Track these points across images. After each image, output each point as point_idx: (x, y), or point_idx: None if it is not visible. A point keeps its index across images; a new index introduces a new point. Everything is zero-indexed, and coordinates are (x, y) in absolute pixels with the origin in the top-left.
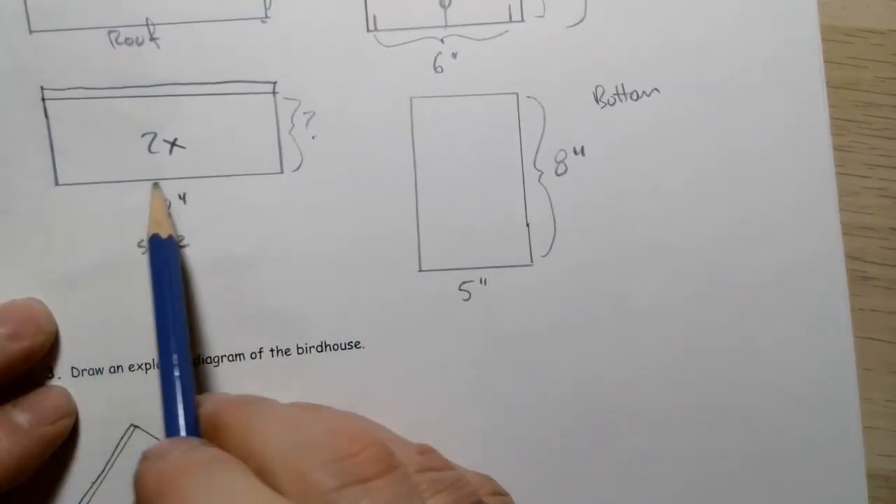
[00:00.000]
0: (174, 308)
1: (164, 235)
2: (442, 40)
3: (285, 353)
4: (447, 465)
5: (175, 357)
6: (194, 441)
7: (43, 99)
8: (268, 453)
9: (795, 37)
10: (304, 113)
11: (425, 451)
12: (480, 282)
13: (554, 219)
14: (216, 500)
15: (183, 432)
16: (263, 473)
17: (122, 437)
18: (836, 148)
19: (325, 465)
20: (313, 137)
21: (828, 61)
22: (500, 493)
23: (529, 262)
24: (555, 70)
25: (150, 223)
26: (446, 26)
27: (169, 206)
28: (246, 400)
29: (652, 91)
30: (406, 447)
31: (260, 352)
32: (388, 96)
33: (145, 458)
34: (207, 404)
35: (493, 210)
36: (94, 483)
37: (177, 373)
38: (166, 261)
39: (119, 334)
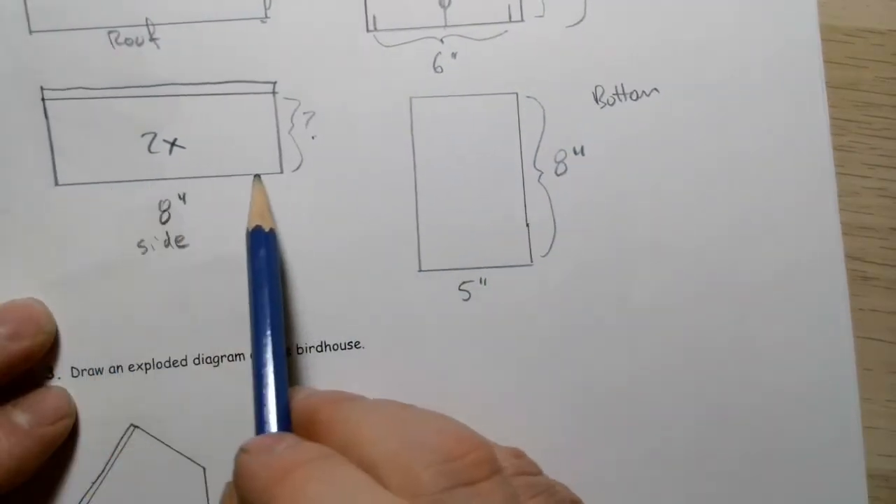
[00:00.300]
0: (271, 301)
1: (266, 228)
2: (441, 40)
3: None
4: (539, 470)
5: (270, 351)
6: (294, 437)
7: (43, 99)
8: (375, 451)
9: (795, 37)
10: (304, 113)
11: (519, 454)
12: (480, 282)
13: (554, 219)
14: (337, 496)
15: (275, 427)
16: (368, 471)
17: (122, 438)
18: (836, 148)
19: (434, 465)
20: (313, 137)
21: (828, 61)
22: (577, 502)
23: (529, 262)
24: (554, 70)
25: (251, 216)
26: (446, 26)
27: (168, 207)
28: (342, 396)
29: (652, 91)
30: (501, 451)
31: None
32: (387, 96)
33: (246, 451)
34: (299, 398)
35: (493, 210)
36: (94, 483)
37: (272, 366)
38: (267, 253)
39: (119, 334)
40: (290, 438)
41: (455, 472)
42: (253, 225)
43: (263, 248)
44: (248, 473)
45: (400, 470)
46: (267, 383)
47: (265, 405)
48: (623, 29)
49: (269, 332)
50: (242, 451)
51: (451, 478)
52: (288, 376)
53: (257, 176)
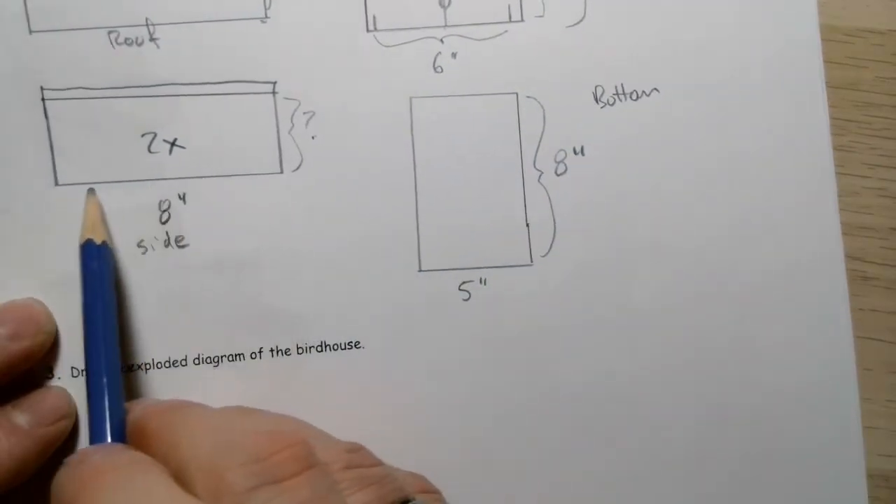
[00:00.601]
0: (104, 315)
1: (97, 241)
2: (441, 40)
3: (285, 353)
4: (375, 463)
5: (102, 363)
6: (116, 446)
7: (43, 99)
8: (187, 456)
9: (795, 37)
10: (304, 113)
11: (354, 449)
12: (480, 282)
13: (554, 219)
14: (131, 501)
15: (108, 438)
16: (181, 476)
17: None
18: (836, 148)
19: (241, 465)
20: (313, 137)
21: (828, 61)
22: (430, 491)
23: (529, 262)
24: (554, 70)
25: (83, 229)
26: (446, 26)
27: (168, 207)
28: (174, 405)
29: (652, 91)
30: (334, 446)
31: (260, 352)
32: (387, 96)
33: (65, 464)
34: (136, 410)
35: (493, 210)
36: None
37: (105, 379)
38: (99, 266)
39: (119, 334)
40: (106, 448)
41: (262, 471)
42: (84, 238)
43: (95, 262)
44: (58, 484)
45: (207, 472)
46: (100, 395)
47: (97, 417)
48: (623, 29)
49: (102, 346)
50: (62, 464)
51: (257, 477)
52: (124, 389)
53: (91, 189)
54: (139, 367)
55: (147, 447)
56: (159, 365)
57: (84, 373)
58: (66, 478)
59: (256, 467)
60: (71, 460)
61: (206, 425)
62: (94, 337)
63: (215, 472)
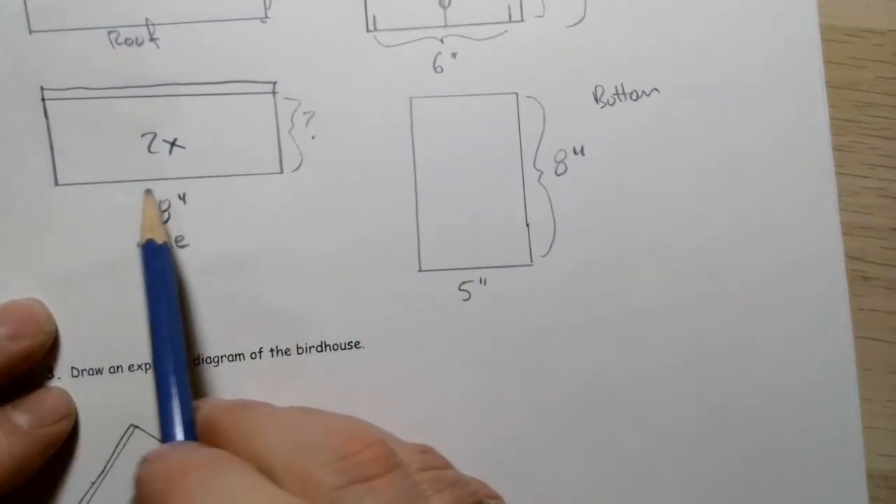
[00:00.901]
0: (169, 313)
1: (158, 241)
2: (441, 40)
3: (285, 353)
4: (446, 465)
5: (171, 362)
6: (193, 443)
7: (43, 99)
8: (270, 455)
9: (795, 37)
10: (304, 113)
11: (426, 450)
12: (480, 282)
13: (554, 219)
14: (220, 497)
15: (180, 436)
16: (266, 475)
17: (121, 438)
18: (836, 148)
19: (327, 464)
20: (313, 137)
21: (828, 61)
22: (494, 497)
23: (529, 262)
24: (554, 70)
25: (142, 229)
26: (446, 26)
27: (168, 207)
28: (244, 404)
29: (652, 91)
30: (406, 447)
31: (260, 352)
32: (387, 96)
33: (145, 460)
34: (204, 409)
35: (493, 210)
36: (94, 483)
37: (174, 378)
38: (162, 265)
39: (119, 334)
40: (186, 446)
41: (349, 470)
42: (144, 238)
43: (156, 261)
44: (142, 481)
45: (294, 471)
46: (170, 394)
47: (168, 416)
48: (623, 29)
49: (169, 345)
50: (141, 461)
51: (344, 475)
52: (191, 387)
53: (148, 190)
54: (139, 367)
55: (221, 445)
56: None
57: (152, 371)
58: (150, 474)
59: (342, 466)
60: (150, 457)
61: (278, 424)
62: (160, 336)
63: (303, 471)
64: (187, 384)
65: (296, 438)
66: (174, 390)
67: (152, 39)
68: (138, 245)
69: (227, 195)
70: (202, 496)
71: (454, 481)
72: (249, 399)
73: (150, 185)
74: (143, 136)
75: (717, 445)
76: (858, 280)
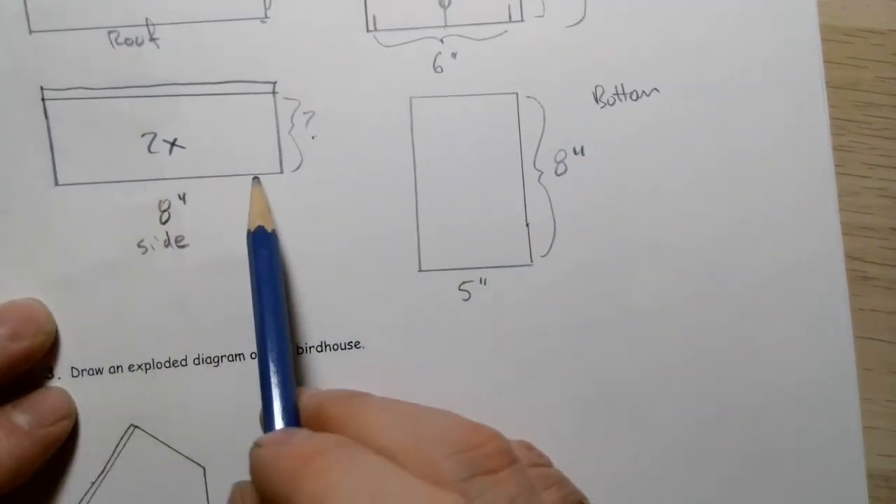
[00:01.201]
0: (276, 300)
1: (268, 229)
2: (441, 40)
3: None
4: (549, 462)
5: (277, 350)
6: (308, 430)
7: (43, 99)
8: (389, 444)
9: (795, 37)
10: (304, 113)
11: (530, 447)
12: (480, 282)
13: (554, 219)
14: (362, 481)
15: (283, 424)
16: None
17: (121, 438)
18: (836, 148)
19: (452, 455)
20: (313, 137)
21: (828, 61)
22: (583, 500)
23: (529, 262)
24: (554, 70)
25: (252, 216)
26: (446, 26)
27: (168, 207)
28: (350, 393)
29: (652, 91)
30: (513, 443)
31: None
32: (387, 96)
33: (261, 446)
34: (306, 397)
35: (493, 210)
36: (94, 483)
37: (278, 365)
38: (269, 253)
39: (119, 334)
40: (304, 432)
41: (473, 462)
42: (255, 225)
43: (265, 249)
44: (268, 464)
45: (420, 459)
46: (274, 382)
47: (273, 403)
48: (623, 29)
49: (274, 332)
50: (257, 446)
51: (470, 467)
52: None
53: (256, 178)
54: (139, 367)
55: (329, 432)
56: (159, 365)
57: (256, 358)
58: (275, 457)
59: (466, 458)
60: (266, 441)
61: (393, 414)
62: (266, 324)
63: (430, 460)
64: (291, 372)
65: (416, 429)
66: (281, 378)
67: (152, 39)
68: (249, 231)
69: (227, 195)
70: (340, 477)
71: (560, 479)
72: (349, 389)
73: (149, 185)
74: (143, 136)
75: (717, 445)
76: (858, 280)
